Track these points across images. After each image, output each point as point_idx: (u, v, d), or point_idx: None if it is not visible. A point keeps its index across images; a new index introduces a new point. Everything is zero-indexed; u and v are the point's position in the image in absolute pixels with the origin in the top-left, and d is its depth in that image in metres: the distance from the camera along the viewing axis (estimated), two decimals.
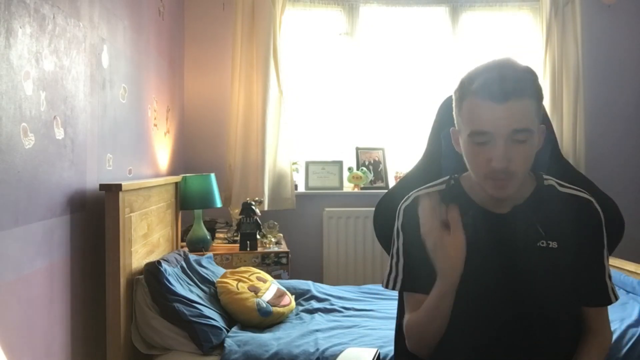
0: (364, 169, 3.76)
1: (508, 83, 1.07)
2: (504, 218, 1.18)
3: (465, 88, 1.12)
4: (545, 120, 1.37)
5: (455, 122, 1.19)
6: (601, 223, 1.20)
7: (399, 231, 1.26)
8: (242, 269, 2.59)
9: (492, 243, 1.18)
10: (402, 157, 3.89)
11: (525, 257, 1.17)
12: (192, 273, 2.46)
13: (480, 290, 1.18)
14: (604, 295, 1.20)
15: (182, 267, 2.43)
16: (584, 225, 1.18)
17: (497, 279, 1.17)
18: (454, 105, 1.18)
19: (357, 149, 3.83)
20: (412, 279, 1.23)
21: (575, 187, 1.23)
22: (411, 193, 1.27)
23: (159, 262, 2.20)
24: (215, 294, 2.41)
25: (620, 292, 2.58)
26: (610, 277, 1.21)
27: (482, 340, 1.19)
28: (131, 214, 2.14)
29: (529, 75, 1.11)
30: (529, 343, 1.18)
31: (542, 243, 1.16)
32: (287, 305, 2.48)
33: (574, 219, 1.18)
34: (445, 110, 1.41)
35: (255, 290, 2.41)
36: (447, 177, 1.26)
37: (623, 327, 2.13)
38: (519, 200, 1.19)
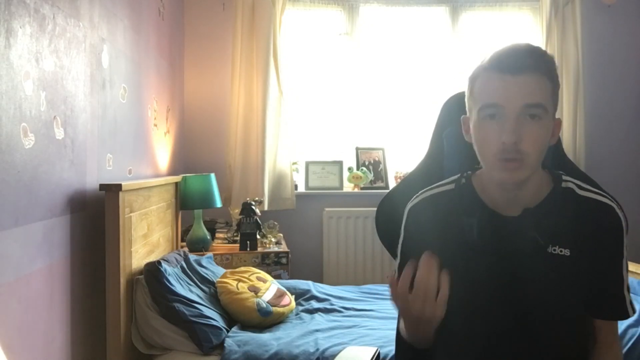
0: (364, 169, 3.76)
1: (521, 57, 1.03)
2: (514, 221, 1.11)
3: (479, 67, 1.09)
4: None
5: (467, 108, 1.13)
6: (622, 231, 1.11)
7: (402, 230, 1.24)
8: (242, 269, 2.59)
9: (500, 248, 1.12)
10: (402, 157, 3.89)
11: (531, 264, 1.11)
12: (192, 273, 2.46)
13: (484, 295, 1.14)
14: (622, 309, 1.13)
15: (182, 267, 2.43)
16: (603, 232, 1.10)
17: (501, 284, 1.13)
18: (466, 92, 1.13)
19: (357, 149, 3.83)
20: None
21: (597, 191, 1.15)
22: (419, 192, 1.24)
23: (159, 262, 2.20)
24: (215, 294, 2.41)
25: None
26: (628, 289, 1.13)
27: (484, 346, 1.15)
28: (131, 214, 2.14)
29: (546, 55, 1.07)
30: (532, 351, 1.13)
31: (552, 250, 1.10)
32: (287, 305, 2.48)
33: (592, 225, 1.10)
34: (447, 110, 1.40)
35: (255, 290, 2.41)
36: (457, 175, 1.21)
37: (623, 327, 2.13)
38: (532, 202, 1.12)
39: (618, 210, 1.12)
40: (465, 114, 1.16)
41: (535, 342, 1.13)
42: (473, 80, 1.10)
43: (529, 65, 1.03)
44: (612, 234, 1.11)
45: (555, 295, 1.11)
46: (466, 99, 1.13)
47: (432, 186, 1.24)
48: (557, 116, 1.13)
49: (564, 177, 1.15)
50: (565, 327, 1.14)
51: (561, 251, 1.09)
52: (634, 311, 1.14)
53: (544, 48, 4.02)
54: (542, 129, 1.04)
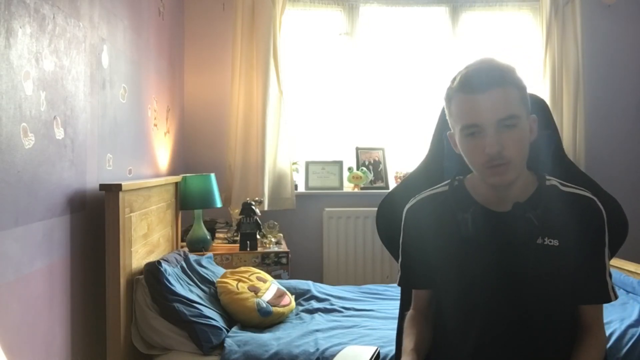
0: (364, 169, 3.76)
1: (484, 74, 1.13)
2: (505, 216, 1.19)
3: (450, 89, 1.18)
4: (550, 122, 1.39)
5: (450, 125, 1.23)
6: (603, 221, 1.20)
7: (401, 231, 1.32)
8: (242, 269, 2.59)
9: (493, 241, 1.19)
10: (402, 157, 3.89)
11: (524, 255, 1.18)
12: (192, 273, 2.46)
13: (480, 288, 1.20)
14: (604, 293, 1.21)
15: (182, 267, 2.43)
16: (586, 223, 1.19)
17: (497, 277, 1.19)
18: (446, 111, 1.22)
19: (357, 149, 3.83)
20: (408, 275, 1.32)
21: (578, 187, 1.24)
22: (415, 196, 1.32)
23: (159, 262, 2.20)
24: (215, 294, 2.41)
25: (620, 292, 2.58)
26: (610, 275, 1.22)
27: (483, 338, 1.20)
28: (131, 214, 2.14)
29: (507, 67, 1.16)
30: (529, 341, 1.18)
31: (542, 240, 1.17)
32: (287, 305, 2.48)
33: (576, 217, 1.19)
34: None
35: (255, 290, 2.41)
36: (450, 179, 1.29)
37: (623, 327, 2.13)
38: (521, 199, 1.19)
39: (598, 203, 1.21)
40: None
41: (531, 330, 1.18)
42: (448, 101, 1.20)
43: (495, 81, 1.12)
44: (595, 225, 1.20)
45: (548, 284, 1.18)
46: (447, 117, 1.23)
47: (427, 189, 1.33)
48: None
49: (547, 177, 1.24)
50: (558, 316, 1.20)
51: (550, 241, 1.18)
52: (615, 296, 1.22)
53: (543, 48, 4.04)
54: (519, 134, 1.14)
